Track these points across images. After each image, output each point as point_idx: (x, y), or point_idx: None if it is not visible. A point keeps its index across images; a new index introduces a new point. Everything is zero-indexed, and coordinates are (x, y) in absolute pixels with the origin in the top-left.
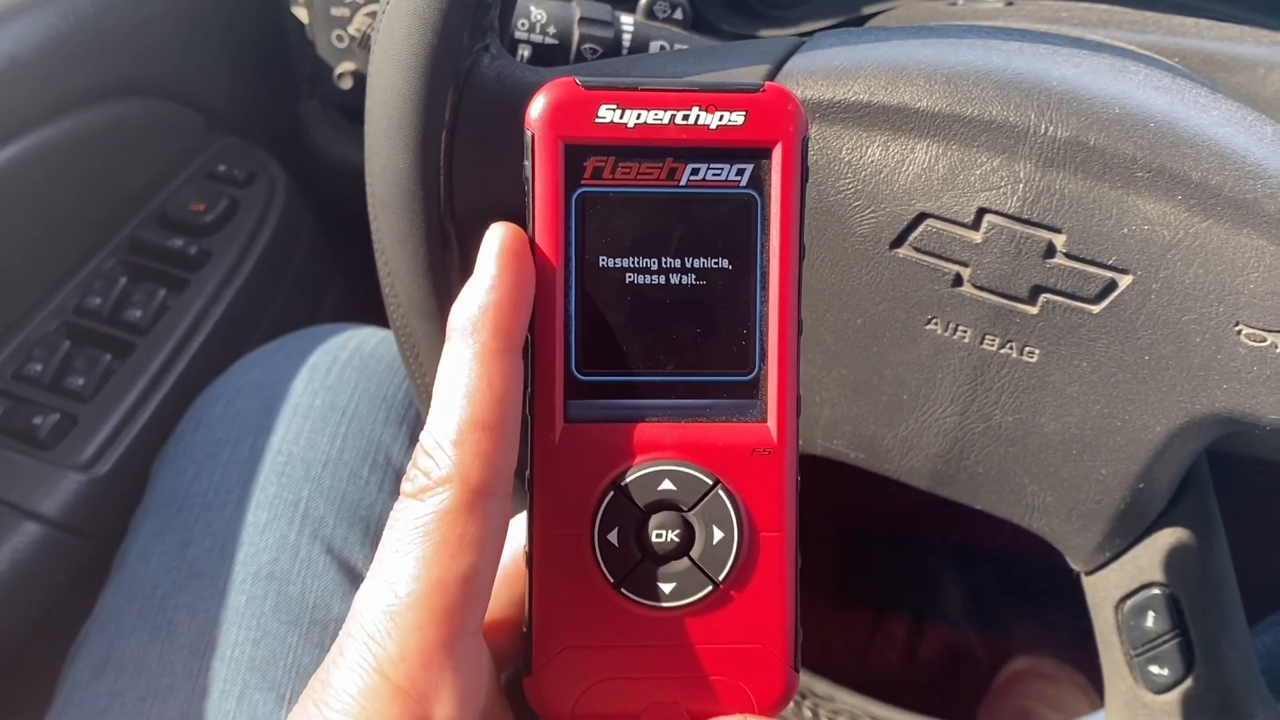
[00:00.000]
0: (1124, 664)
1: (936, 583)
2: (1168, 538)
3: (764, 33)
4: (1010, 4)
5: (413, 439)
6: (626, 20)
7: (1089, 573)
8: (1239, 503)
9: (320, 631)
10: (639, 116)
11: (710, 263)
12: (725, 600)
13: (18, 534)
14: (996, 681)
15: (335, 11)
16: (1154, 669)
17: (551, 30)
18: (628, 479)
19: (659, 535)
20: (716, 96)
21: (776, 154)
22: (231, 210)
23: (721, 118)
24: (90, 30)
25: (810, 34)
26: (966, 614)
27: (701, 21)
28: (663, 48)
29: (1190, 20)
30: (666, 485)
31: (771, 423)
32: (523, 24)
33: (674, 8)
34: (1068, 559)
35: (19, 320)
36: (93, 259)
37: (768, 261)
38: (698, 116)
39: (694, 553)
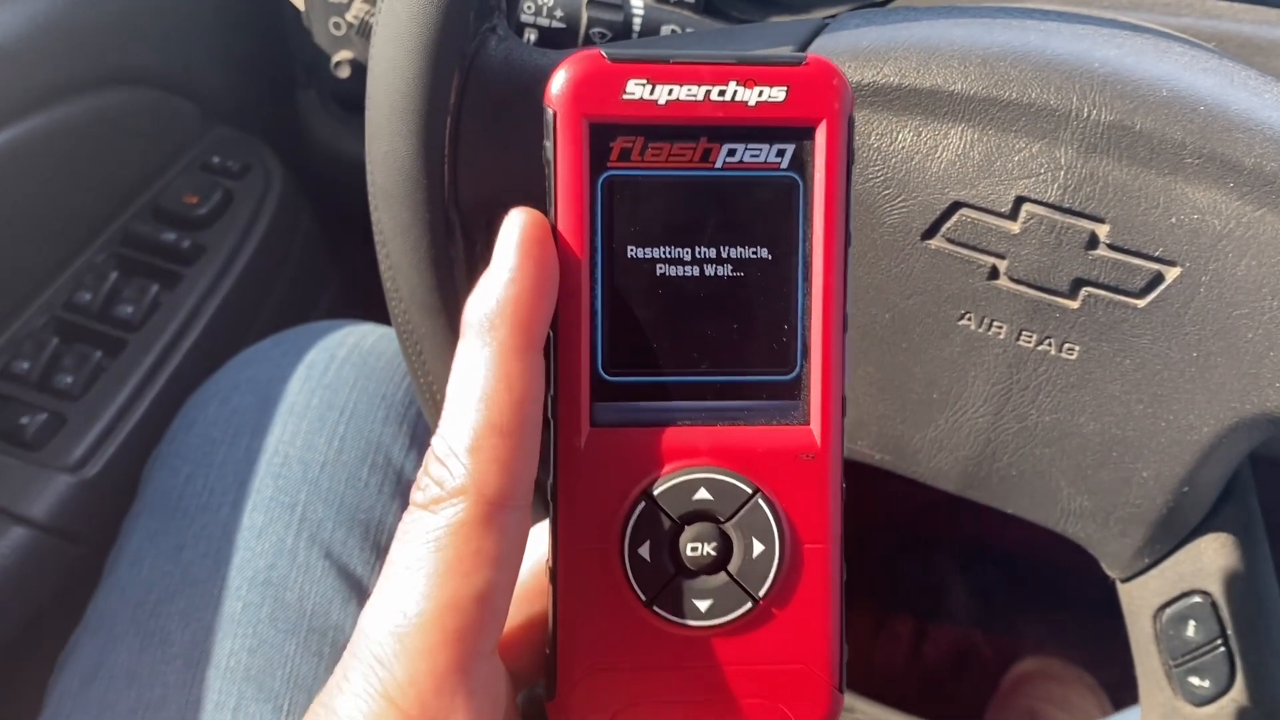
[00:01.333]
0: (1162, 674)
1: (943, 581)
2: (1211, 544)
3: (775, 18)
4: None
5: (414, 439)
6: (637, 3)
7: (1125, 580)
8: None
9: (319, 640)
10: (670, 92)
11: (748, 252)
12: (766, 618)
13: (4, 538)
14: (1004, 682)
15: None
16: (1194, 680)
17: (559, 13)
18: (660, 488)
19: (694, 549)
20: (755, 70)
21: (820, 133)
22: (226, 203)
23: (761, 94)
24: (81, 16)
25: (831, 17)
26: (973, 613)
27: (712, 7)
28: (674, 32)
29: (1225, 3)
30: (702, 494)
31: (815, 425)
32: (529, 6)
33: None
34: (1103, 565)
35: (6, 316)
36: (83, 253)
37: (810, 250)
38: (735, 92)
39: (732, 567)
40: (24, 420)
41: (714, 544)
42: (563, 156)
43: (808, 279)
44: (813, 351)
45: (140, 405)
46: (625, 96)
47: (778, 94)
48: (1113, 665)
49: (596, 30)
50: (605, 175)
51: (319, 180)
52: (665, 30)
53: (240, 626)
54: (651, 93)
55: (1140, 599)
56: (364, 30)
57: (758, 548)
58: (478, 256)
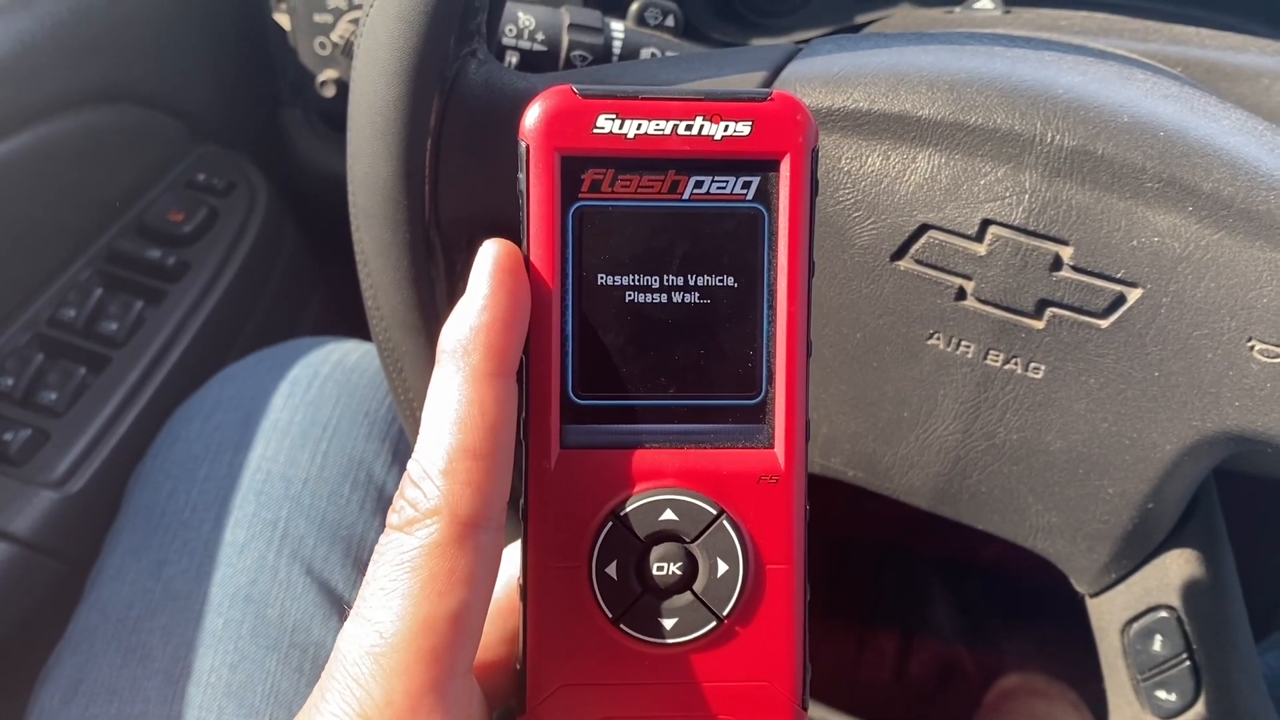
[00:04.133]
0: (1130, 688)
1: (926, 597)
2: (1176, 559)
3: (755, 41)
4: (1008, 11)
5: (396, 455)
6: (617, 27)
7: (1094, 595)
8: (1230, 518)
9: (300, 655)
10: (639, 127)
11: (714, 280)
12: (730, 636)
13: None
14: (987, 698)
15: (318, 18)
16: (1161, 694)
17: (540, 36)
18: (627, 509)
19: (660, 568)
20: (722, 106)
21: (784, 166)
22: (211, 220)
23: (727, 128)
24: (67, 35)
25: (805, 42)
26: (956, 629)
27: (692, 30)
28: (654, 55)
29: (1192, 29)
30: (668, 515)
31: (779, 449)
32: (510, 30)
33: (665, 14)
34: (1072, 581)
35: None
36: (68, 269)
37: (775, 279)
38: (702, 127)
39: (697, 586)
40: (7, 436)
41: (680, 564)
42: (535, 188)
43: (772, 306)
44: (777, 377)
45: (124, 421)
46: (595, 130)
47: (743, 129)
48: (1096, 680)
49: (577, 53)
50: (576, 206)
51: (304, 197)
52: (645, 53)
53: (221, 642)
54: (621, 127)
55: (1108, 614)
56: (349, 50)
57: (722, 568)
58: (458, 276)
